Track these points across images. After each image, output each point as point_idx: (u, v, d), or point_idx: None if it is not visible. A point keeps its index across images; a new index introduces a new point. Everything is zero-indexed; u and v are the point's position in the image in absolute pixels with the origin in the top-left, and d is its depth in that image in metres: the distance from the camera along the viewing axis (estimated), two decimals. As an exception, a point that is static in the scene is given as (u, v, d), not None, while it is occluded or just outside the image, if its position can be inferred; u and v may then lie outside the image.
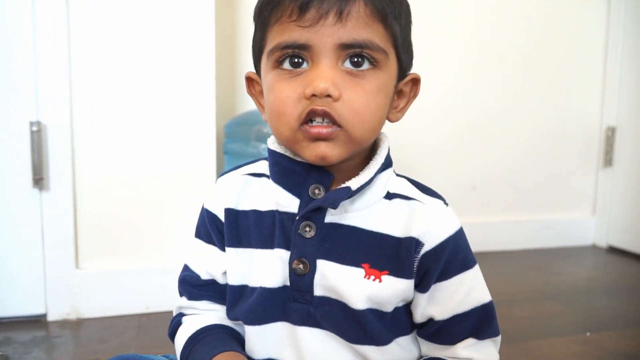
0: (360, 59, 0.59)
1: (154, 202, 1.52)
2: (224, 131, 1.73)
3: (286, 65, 0.60)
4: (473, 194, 2.31)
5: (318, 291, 0.64)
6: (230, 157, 1.73)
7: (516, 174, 2.37)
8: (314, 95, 0.57)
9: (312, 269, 0.63)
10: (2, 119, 1.41)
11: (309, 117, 0.58)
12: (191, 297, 0.74)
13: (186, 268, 0.74)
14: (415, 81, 0.68)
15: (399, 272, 0.63)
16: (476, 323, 0.65)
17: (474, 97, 2.27)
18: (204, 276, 0.72)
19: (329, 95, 0.57)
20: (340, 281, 0.63)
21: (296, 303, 0.64)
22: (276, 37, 0.60)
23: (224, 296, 0.71)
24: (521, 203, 2.40)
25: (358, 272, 0.63)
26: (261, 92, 0.67)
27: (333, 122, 0.58)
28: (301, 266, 0.64)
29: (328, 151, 0.59)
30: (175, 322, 0.74)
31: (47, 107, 1.42)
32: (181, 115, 1.52)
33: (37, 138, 1.40)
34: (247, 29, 1.87)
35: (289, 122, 0.59)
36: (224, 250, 0.70)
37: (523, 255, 2.30)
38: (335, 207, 0.62)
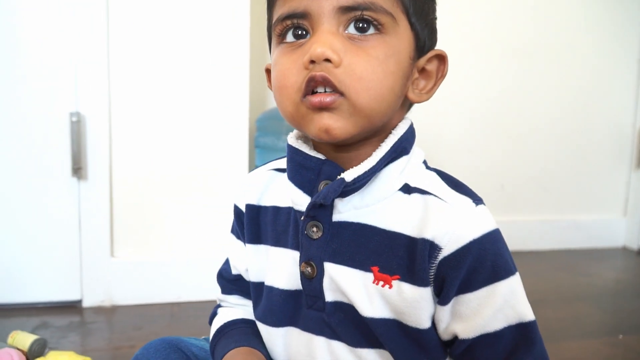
0: (364, 24, 0.54)
1: (187, 193, 1.55)
2: (255, 125, 1.75)
3: (289, 38, 0.57)
4: (501, 193, 2.30)
5: (329, 296, 0.60)
6: (261, 151, 1.75)
7: (545, 173, 2.35)
8: (312, 62, 0.53)
9: (320, 273, 0.60)
10: (43, 110, 1.44)
11: (309, 87, 0.54)
12: (224, 291, 0.76)
13: (225, 261, 0.76)
14: (441, 58, 0.61)
15: (412, 278, 0.56)
16: (511, 346, 0.56)
17: (502, 95, 2.25)
18: (234, 271, 0.73)
19: (328, 61, 0.53)
20: (350, 286, 0.58)
21: (311, 310, 0.61)
22: (278, 11, 0.57)
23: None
24: (550, 203, 2.37)
25: (367, 277, 0.58)
26: None
27: (334, 89, 0.53)
28: (309, 269, 0.60)
29: (331, 122, 0.54)
30: (212, 312, 0.76)
31: (87, 99, 1.45)
32: (215, 109, 1.54)
33: (77, 128, 1.43)
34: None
35: (290, 95, 0.56)
36: (245, 245, 0.70)
37: (552, 255, 2.27)
38: (327, 201, 0.57)
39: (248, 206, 0.68)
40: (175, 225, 1.56)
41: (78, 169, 1.46)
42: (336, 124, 0.54)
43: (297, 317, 0.63)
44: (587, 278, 1.99)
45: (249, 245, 0.68)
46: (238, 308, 0.75)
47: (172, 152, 1.53)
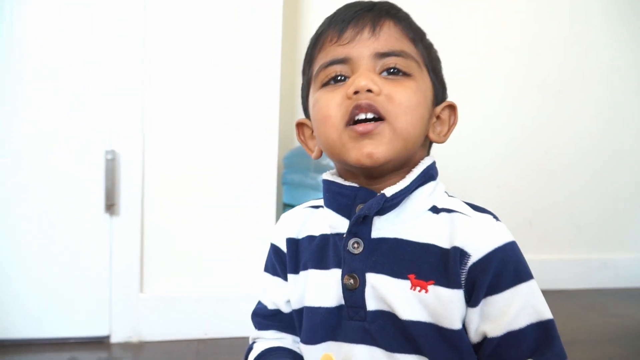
0: (395, 70, 0.64)
1: (216, 231, 1.57)
2: (282, 162, 1.78)
3: (331, 83, 0.66)
4: (529, 230, 2.28)
5: (371, 305, 0.64)
6: (288, 188, 1.78)
7: (574, 210, 2.33)
8: (356, 93, 0.61)
9: (362, 283, 0.65)
10: (80, 147, 1.49)
11: (353, 115, 0.62)
12: (260, 328, 0.77)
13: (258, 302, 0.79)
14: (452, 108, 0.71)
15: (446, 281, 0.62)
16: (534, 343, 0.61)
17: (532, 131, 2.25)
18: (270, 306, 0.76)
19: (370, 91, 0.61)
20: (390, 293, 0.63)
21: (352, 321, 0.65)
22: (320, 61, 0.67)
23: (290, 325, 0.74)
24: (579, 241, 2.34)
25: (405, 284, 0.63)
26: (311, 136, 0.73)
27: (377, 114, 0.61)
28: (352, 281, 0.65)
29: (373, 148, 0.61)
30: (248, 348, 0.78)
31: (122, 138, 1.50)
32: (244, 147, 1.58)
33: (111, 166, 1.48)
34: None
35: (334, 123, 0.63)
36: (286, 279, 0.74)
37: (581, 295, 2.23)
38: (370, 212, 0.63)
39: (288, 240, 0.74)
40: (205, 263, 1.58)
41: (111, 206, 1.49)
42: (377, 149, 0.61)
43: (338, 331, 0.67)
44: (618, 319, 1.95)
45: (290, 276, 0.73)
46: (275, 342, 0.76)
47: (203, 190, 1.56)
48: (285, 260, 0.74)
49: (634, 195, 2.40)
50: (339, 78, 0.65)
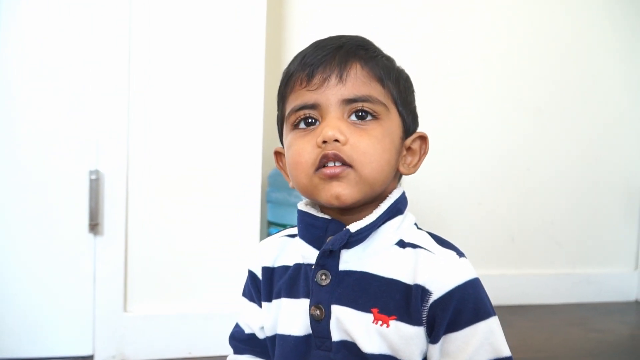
0: (363, 113, 0.67)
1: (199, 250, 1.58)
2: (267, 180, 1.79)
3: (301, 125, 0.69)
4: (512, 246, 2.30)
5: (336, 336, 0.67)
6: (272, 206, 1.79)
7: (555, 226, 2.36)
8: (324, 142, 0.65)
9: (328, 314, 0.67)
10: (63, 167, 1.50)
11: (322, 163, 0.65)
12: (236, 351, 0.81)
13: (236, 325, 0.82)
14: (423, 138, 0.74)
15: (408, 318, 0.65)
16: None
17: (513, 149, 2.29)
18: (247, 330, 0.80)
19: (337, 141, 0.65)
20: (353, 325, 0.66)
21: (319, 351, 0.68)
22: (291, 104, 0.70)
23: (264, 351, 0.78)
24: (561, 256, 2.37)
25: (368, 317, 0.66)
26: None
27: (343, 162, 0.65)
28: (318, 312, 0.68)
29: (341, 190, 0.65)
30: None
31: (106, 157, 1.51)
32: (228, 165, 1.59)
33: (95, 186, 1.48)
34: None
35: (305, 169, 0.67)
36: (261, 306, 0.77)
37: (563, 309, 2.26)
38: (334, 247, 0.67)
39: (264, 269, 0.77)
40: (189, 281, 1.58)
41: (95, 225, 1.49)
42: (344, 191, 0.65)
43: (308, 359, 0.69)
44: (600, 334, 1.97)
45: (264, 304, 0.76)
46: None
47: (186, 211, 1.56)
48: (261, 288, 0.77)
49: (616, 210, 2.44)
50: (309, 121, 0.68)
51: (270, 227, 1.79)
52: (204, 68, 1.56)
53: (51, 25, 1.48)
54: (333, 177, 0.65)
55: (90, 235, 1.51)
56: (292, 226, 0.79)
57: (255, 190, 1.61)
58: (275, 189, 1.76)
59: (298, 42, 1.92)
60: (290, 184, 0.75)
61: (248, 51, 1.58)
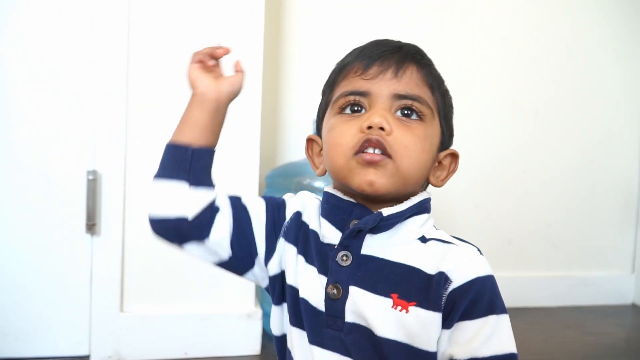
0: (409, 112, 0.69)
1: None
2: (265, 182, 1.79)
3: (347, 111, 0.70)
4: (509, 248, 2.30)
5: (349, 317, 0.67)
6: (270, 207, 1.78)
7: (552, 229, 2.36)
8: (369, 127, 0.66)
9: (345, 295, 0.67)
10: (61, 168, 1.50)
11: (363, 147, 0.66)
12: (228, 196, 0.80)
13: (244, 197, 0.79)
14: (454, 156, 0.76)
15: (427, 304, 0.65)
16: None
17: (510, 151, 2.29)
18: (244, 199, 0.78)
19: (382, 129, 0.66)
20: (369, 308, 0.66)
21: (329, 330, 0.68)
22: (342, 89, 0.71)
23: (238, 225, 0.74)
24: (558, 258, 2.37)
25: (386, 302, 0.66)
26: (319, 153, 0.77)
27: (384, 152, 0.66)
28: (335, 291, 0.68)
29: (376, 178, 0.66)
30: None
31: (104, 157, 1.51)
32: (226, 165, 1.58)
33: (93, 186, 1.48)
34: (292, 84, 1.95)
35: (344, 151, 0.68)
36: (264, 228, 0.74)
37: (559, 312, 2.26)
38: (366, 227, 0.67)
39: (296, 213, 0.75)
40: (184, 281, 1.58)
41: (92, 225, 1.49)
42: (379, 180, 0.66)
43: (317, 336, 0.69)
44: (596, 337, 1.97)
45: (285, 242, 0.73)
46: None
47: (183, 209, 1.56)
48: (282, 221, 0.74)
49: (613, 213, 2.44)
50: (355, 108, 0.70)
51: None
52: (203, 69, 1.56)
53: (50, 25, 1.49)
54: (371, 164, 0.66)
55: (88, 236, 1.51)
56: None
57: (253, 191, 1.61)
58: (273, 190, 1.76)
59: (297, 42, 1.92)
60: (317, 172, 0.75)
61: (246, 52, 1.58)
